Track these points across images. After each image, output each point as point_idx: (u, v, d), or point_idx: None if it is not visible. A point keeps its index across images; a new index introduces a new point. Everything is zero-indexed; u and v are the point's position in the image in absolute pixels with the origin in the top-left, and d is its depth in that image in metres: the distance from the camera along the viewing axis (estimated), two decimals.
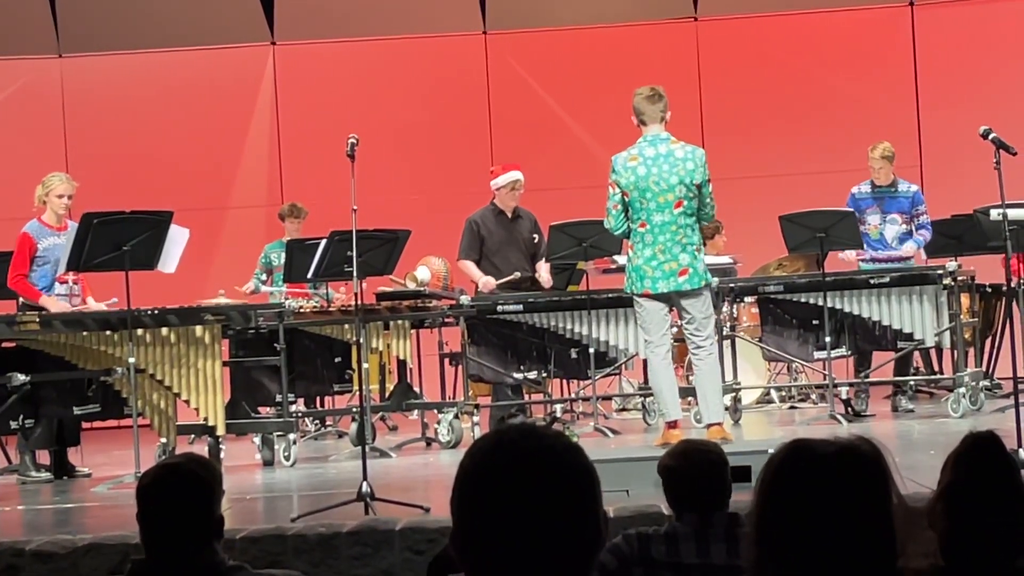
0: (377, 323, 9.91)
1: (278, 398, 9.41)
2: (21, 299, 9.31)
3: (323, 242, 9.53)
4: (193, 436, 10.26)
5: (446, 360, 10.75)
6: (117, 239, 8.40)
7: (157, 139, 14.15)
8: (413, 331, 10.36)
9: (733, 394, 10.28)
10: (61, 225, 9.27)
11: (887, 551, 2.14)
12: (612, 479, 6.39)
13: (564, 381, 11.41)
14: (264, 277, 11.55)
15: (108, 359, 8.64)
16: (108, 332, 8.63)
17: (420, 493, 7.37)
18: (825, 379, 10.15)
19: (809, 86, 14.17)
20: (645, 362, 10.64)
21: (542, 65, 14.40)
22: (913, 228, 10.69)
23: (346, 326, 9.70)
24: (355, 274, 7.39)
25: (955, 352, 10.28)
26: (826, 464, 2.16)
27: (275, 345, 9.25)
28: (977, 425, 7.76)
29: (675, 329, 8.54)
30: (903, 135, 13.72)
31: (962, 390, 9.88)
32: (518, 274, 10.57)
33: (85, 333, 8.64)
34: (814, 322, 10.27)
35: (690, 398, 9.46)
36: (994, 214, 8.46)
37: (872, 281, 10.17)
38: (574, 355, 10.59)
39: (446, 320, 10.45)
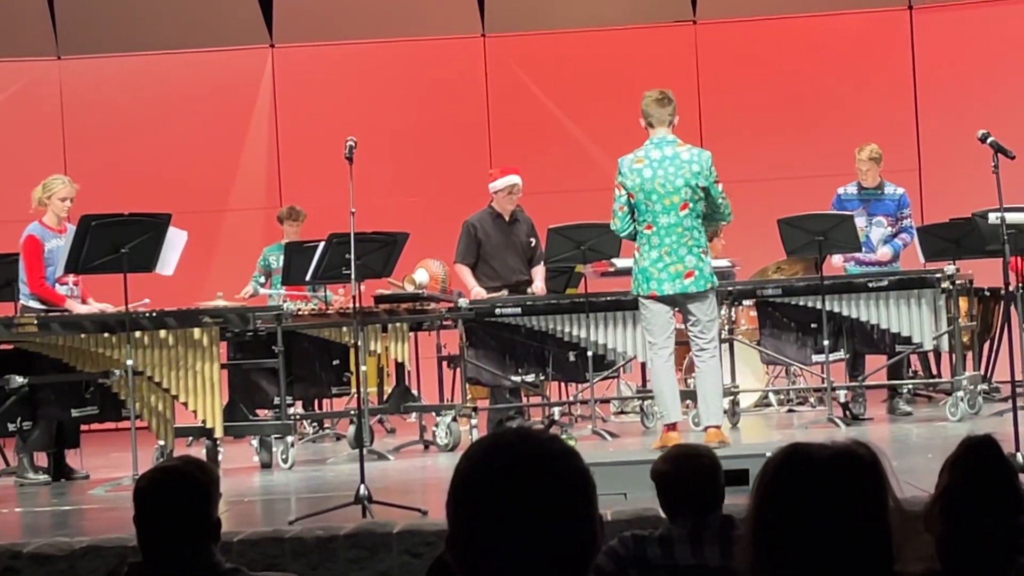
0: (375, 326, 9.91)
1: (276, 400, 9.41)
2: (27, 303, 9.20)
3: (321, 245, 9.52)
4: (191, 438, 10.27)
5: (444, 363, 10.75)
6: (115, 241, 8.39)
7: (155, 141, 14.14)
8: (411, 334, 10.36)
9: (731, 397, 10.27)
10: (61, 227, 9.26)
11: (884, 555, 2.14)
12: (610, 482, 6.39)
13: (562, 384, 11.40)
14: (263, 280, 11.54)
15: (106, 361, 8.64)
16: (106, 334, 8.63)
17: (418, 496, 7.37)
18: (823, 382, 10.15)
19: (808, 90, 14.16)
20: (643, 365, 10.65)
21: (541, 68, 14.39)
22: (896, 231, 10.71)
23: (344, 329, 9.70)
24: (353, 277, 7.40)
25: (953, 356, 10.29)
26: (823, 468, 2.16)
27: (273, 347, 9.25)
28: (975, 429, 7.77)
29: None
30: (902, 139, 13.73)
31: (960, 394, 9.87)
32: (505, 293, 10.55)
33: (83, 335, 8.64)
34: (812, 325, 10.26)
35: (688, 401, 9.45)
36: (992, 218, 8.45)
37: (871, 285, 10.16)
38: (572, 358, 10.57)
39: (444, 323, 10.45)
